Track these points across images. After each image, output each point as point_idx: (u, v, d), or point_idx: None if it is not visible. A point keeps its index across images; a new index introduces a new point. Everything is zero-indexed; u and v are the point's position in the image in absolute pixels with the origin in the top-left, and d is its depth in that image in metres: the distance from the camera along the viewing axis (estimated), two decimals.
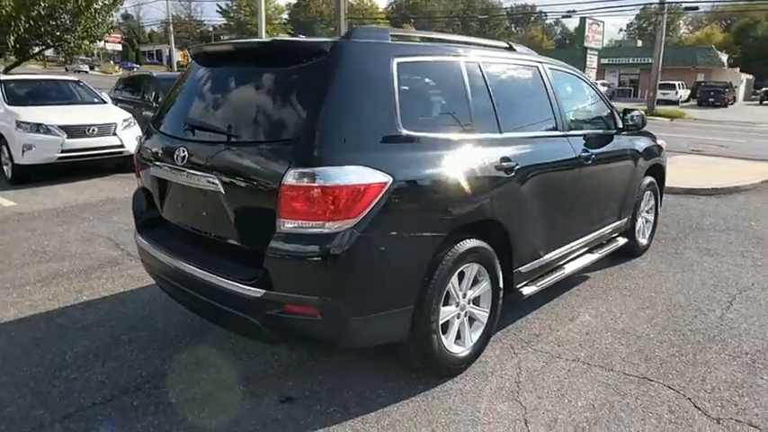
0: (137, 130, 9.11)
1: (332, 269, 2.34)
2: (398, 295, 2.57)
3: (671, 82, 37.44)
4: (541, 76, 3.69)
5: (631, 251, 4.98)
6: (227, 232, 2.68)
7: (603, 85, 37.73)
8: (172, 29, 51.35)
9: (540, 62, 3.78)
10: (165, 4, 50.65)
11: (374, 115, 2.51)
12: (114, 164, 9.00)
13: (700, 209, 7.07)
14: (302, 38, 3.05)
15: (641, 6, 56.00)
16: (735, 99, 39.31)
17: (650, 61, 45.77)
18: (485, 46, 3.56)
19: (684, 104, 37.18)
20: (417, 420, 2.61)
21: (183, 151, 2.72)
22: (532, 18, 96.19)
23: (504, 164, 3.03)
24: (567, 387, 2.91)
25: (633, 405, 2.75)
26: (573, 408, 2.72)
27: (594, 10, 38.87)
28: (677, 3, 34.73)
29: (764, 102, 39.02)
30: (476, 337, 3.07)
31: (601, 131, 4.24)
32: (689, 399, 2.81)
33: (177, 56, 51.31)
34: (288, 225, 2.35)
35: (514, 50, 3.77)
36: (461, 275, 2.89)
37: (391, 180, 2.41)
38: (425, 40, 3.23)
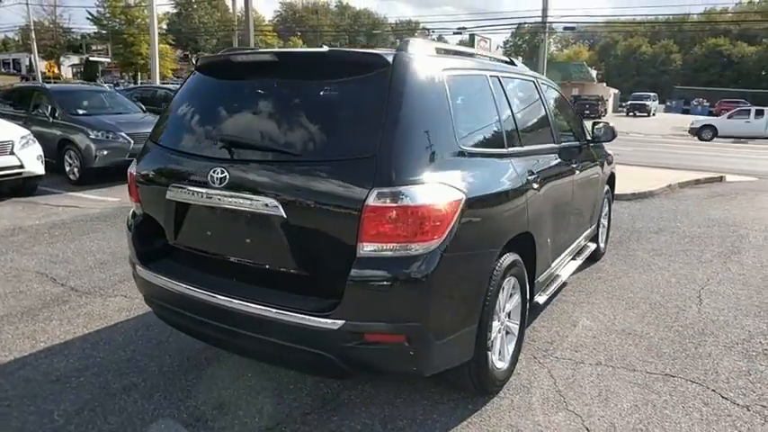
0: (37, 149, 8.17)
1: (419, 292, 2.24)
2: (468, 315, 2.53)
3: None
4: (538, 90, 3.87)
5: (593, 255, 5.34)
6: (283, 260, 2.45)
7: None
8: (34, 36, 46.52)
9: (535, 77, 3.96)
10: (26, 8, 45.64)
11: (438, 130, 2.46)
12: (9, 187, 7.94)
13: (627, 213, 7.77)
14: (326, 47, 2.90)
15: (517, 25, 61.06)
16: (606, 111, 43.81)
17: None
18: (497, 60, 3.65)
19: None
20: None
21: (222, 172, 2.45)
22: (416, 34, 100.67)
23: (530, 177, 3.12)
24: (605, 391, 3.03)
25: (671, 402, 2.93)
26: (621, 410, 2.84)
27: (483, 27, 41.35)
28: (557, 22, 38.22)
29: (630, 114, 43.91)
30: (511, 350, 3.10)
31: (578, 143, 4.52)
32: (713, 390, 3.05)
33: (41, 65, 46.56)
34: (369, 248, 2.22)
35: (515, 65, 3.91)
36: (502, 290, 2.92)
37: (464, 197, 2.37)
38: (457, 53, 3.23)
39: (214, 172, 2.47)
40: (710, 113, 41.90)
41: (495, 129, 3.02)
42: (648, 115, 43.74)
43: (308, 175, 2.33)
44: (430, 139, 2.40)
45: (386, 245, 2.20)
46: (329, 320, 2.23)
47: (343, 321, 2.22)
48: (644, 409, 2.85)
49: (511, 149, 3.05)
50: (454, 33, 45.56)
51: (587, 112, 40.42)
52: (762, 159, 16.78)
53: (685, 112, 50.80)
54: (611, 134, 4.78)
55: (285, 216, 2.33)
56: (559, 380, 3.14)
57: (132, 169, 2.97)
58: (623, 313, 4.14)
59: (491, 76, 3.15)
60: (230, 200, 2.45)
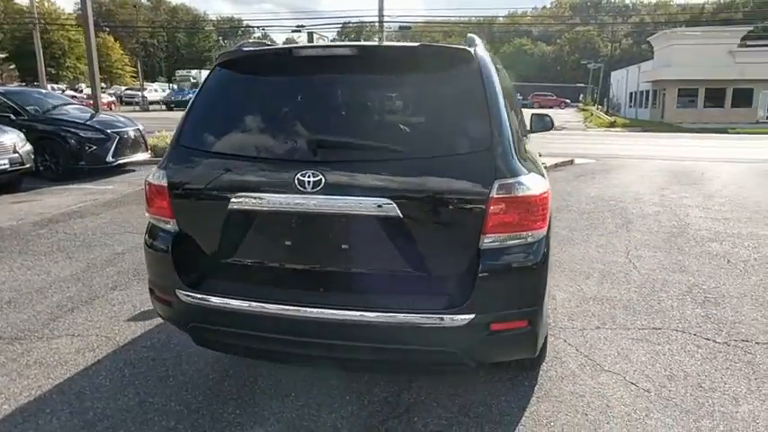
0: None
1: (538, 278, 2.37)
2: (547, 291, 2.70)
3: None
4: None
5: None
6: (390, 261, 2.37)
7: None
8: None
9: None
10: None
11: (511, 123, 2.58)
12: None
13: None
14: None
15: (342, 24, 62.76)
16: None
17: None
18: None
19: None
20: (568, 408, 2.78)
21: (315, 175, 2.27)
22: (240, 31, 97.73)
23: None
24: (621, 349, 3.43)
25: (674, 349, 3.44)
26: (644, 363, 3.25)
27: (315, 25, 41.67)
28: (392, 21, 40.04)
29: None
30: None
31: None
32: (695, 335, 3.64)
33: None
34: (492, 240, 2.27)
35: None
36: None
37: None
38: None
39: (303, 176, 2.29)
40: (524, 105, 47.61)
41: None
42: None
43: (424, 172, 2.29)
44: (512, 131, 2.51)
45: (507, 235, 2.28)
46: (459, 316, 2.23)
47: (473, 315, 2.23)
48: (660, 359, 3.31)
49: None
50: (293, 31, 45.37)
51: None
52: (582, 144, 19.59)
53: None
54: (551, 124, 5.30)
55: (401, 215, 2.25)
56: (579, 347, 3.48)
57: (159, 180, 2.58)
58: (584, 283, 4.67)
59: None
60: (330, 204, 2.29)
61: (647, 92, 40.97)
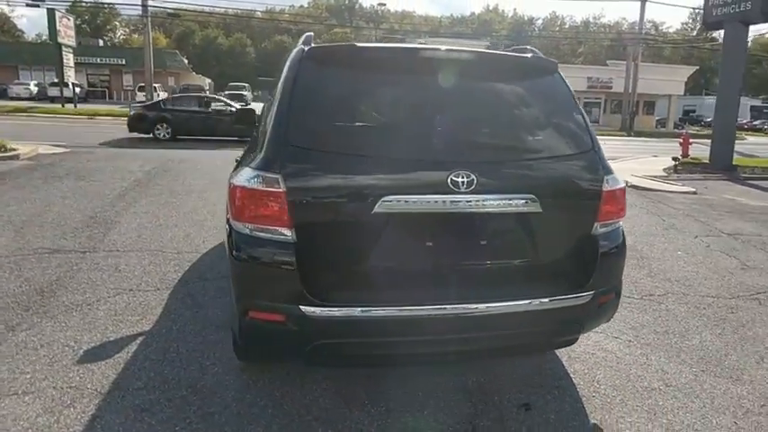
0: None
1: (623, 256, 2.78)
2: None
3: (152, 85, 39.26)
4: None
5: None
6: (524, 253, 2.55)
7: (75, 85, 35.68)
8: None
9: None
10: None
11: None
12: None
13: None
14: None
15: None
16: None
17: (120, 62, 46.43)
18: None
19: None
20: (622, 372, 3.28)
21: (467, 175, 2.30)
22: None
23: None
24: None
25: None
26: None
27: (57, 3, 35.64)
28: (160, 8, 36.56)
29: None
30: None
31: None
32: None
33: None
34: (602, 227, 2.62)
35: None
36: None
37: None
38: None
39: (456, 176, 2.30)
40: None
41: None
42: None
43: (558, 170, 2.53)
44: None
45: (610, 221, 2.66)
46: (586, 294, 2.51)
47: (593, 292, 2.53)
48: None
49: None
50: (28, 5, 37.87)
51: None
52: None
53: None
54: None
55: (541, 210, 2.43)
56: None
57: (270, 185, 2.24)
58: None
59: None
60: (483, 203, 2.35)
61: None
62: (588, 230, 2.60)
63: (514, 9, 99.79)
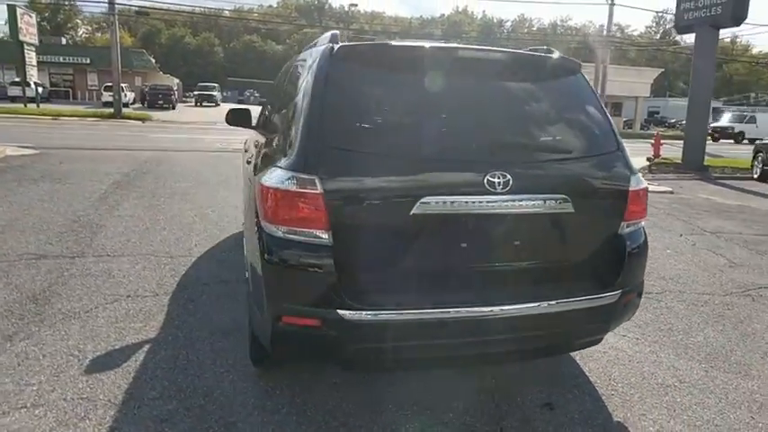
0: None
1: (646, 256, 2.81)
2: None
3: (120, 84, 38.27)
4: None
5: None
6: (556, 252, 2.58)
7: (38, 84, 34.56)
8: None
9: None
10: None
11: None
12: None
13: None
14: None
15: None
16: (177, 101, 44.16)
17: (84, 61, 45.08)
18: None
19: (133, 107, 38.89)
20: (635, 370, 3.32)
21: (503, 176, 2.30)
22: None
23: None
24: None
25: None
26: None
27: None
28: (127, 5, 35.65)
29: (199, 104, 45.64)
30: None
31: None
32: None
33: None
34: (628, 226, 2.65)
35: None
36: None
37: None
38: None
39: (493, 176, 2.30)
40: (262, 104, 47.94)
41: None
42: (216, 105, 46.49)
43: (588, 170, 2.55)
44: None
45: (634, 221, 2.69)
46: (614, 293, 2.54)
47: (620, 291, 2.56)
48: None
49: None
50: None
51: (161, 102, 39.91)
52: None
53: (240, 101, 56.33)
54: None
55: (573, 210, 2.45)
56: None
57: (307, 186, 2.19)
58: None
59: None
60: (518, 203, 2.36)
61: None
62: (615, 230, 2.63)
63: (483, 11, 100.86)
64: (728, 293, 4.82)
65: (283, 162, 2.34)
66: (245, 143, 5.52)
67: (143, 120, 28.49)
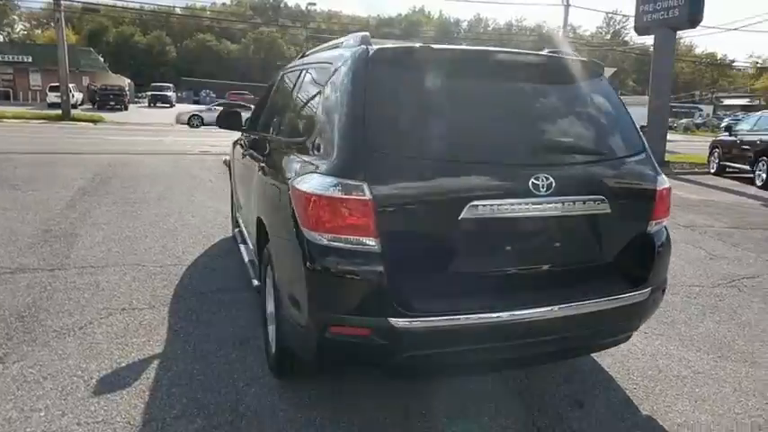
0: None
1: (670, 253, 2.90)
2: None
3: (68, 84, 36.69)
4: None
5: None
6: (592, 252, 2.61)
7: None
8: None
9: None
10: None
11: None
12: None
13: None
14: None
15: None
16: (129, 102, 42.70)
17: (26, 59, 42.95)
18: None
19: (82, 108, 37.36)
20: (650, 363, 3.38)
21: (547, 178, 2.31)
22: None
23: None
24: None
25: None
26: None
27: None
28: (73, 1, 34.09)
29: (152, 105, 44.25)
30: None
31: None
32: None
33: None
34: (654, 225, 2.71)
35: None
36: None
37: None
38: None
39: (537, 179, 2.30)
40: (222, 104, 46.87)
41: None
42: (171, 106, 45.19)
43: (620, 171, 2.61)
44: None
45: (660, 220, 2.76)
46: (645, 290, 2.60)
47: (650, 288, 2.62)
48: None
49: None
50: None
51: (113, 102, 38.54)
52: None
53: (196, 102, 54.99)
54: None
55: (610, 211, 2.48)
56: None
57: (353, 192, 2.14)
58: None
59: None
60: (561, 205, 2.38)
61: None
62: (645, 228, 2.69)
63: (440, 10, 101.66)
64: (716, 285, 5.00)
65: (324, 168, 2.27)
66: (233, 144, 5.38)
67: (95, 122, 27.40)
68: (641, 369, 3.31)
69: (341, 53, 2.64)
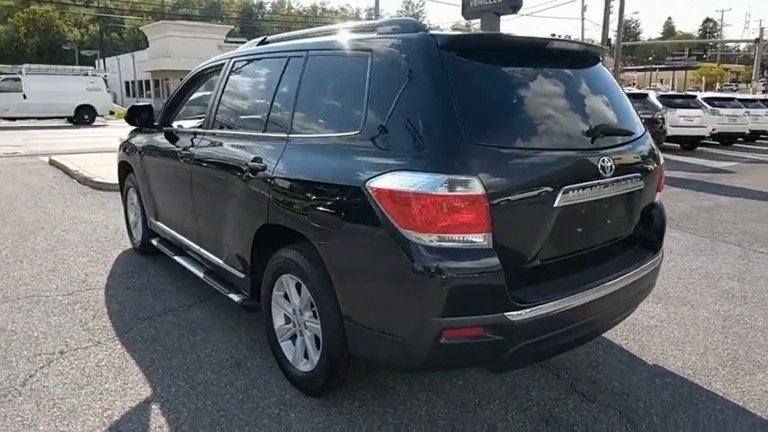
0: None
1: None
2: None
3: None
4: None
5: None
6: (628, 226, 2.85)
7: None
8: None
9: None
10: None
11: None
12: None
13: None
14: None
15: None
16: None
17: None
18: None
19: None
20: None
21: (609, 161, 2.49)
22: None
23: None
24: None
25: None
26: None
27: None
28: None
29: None
30: None
31: None
32: None
33: None
34: (659, 196, 3.09)
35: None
36: None
37: None
38: None
39: (603, 162, 2.47)
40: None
41: None
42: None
43: (643, 149, 2.89)
44: None
45: (660, 193, 3.12)
46: (659, 254, 2.96)
47: (661, 254, 3.01)
48: None
49: None
50: None
51: None
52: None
53: None
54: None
55: (643, 187, 2.76)
56: None
57: (464, 189, 2.07)
58: None
59: None
60: (621, 185, 2.58)
61: (148, 81, 41.61)
62: (653, 200, 3.03)
63: None
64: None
65: (416, 164, 2.13)
66: (124, 146, 4.75)
67: None
68: (621, 327, 3.69)
69: (386, 41, 2.44)
